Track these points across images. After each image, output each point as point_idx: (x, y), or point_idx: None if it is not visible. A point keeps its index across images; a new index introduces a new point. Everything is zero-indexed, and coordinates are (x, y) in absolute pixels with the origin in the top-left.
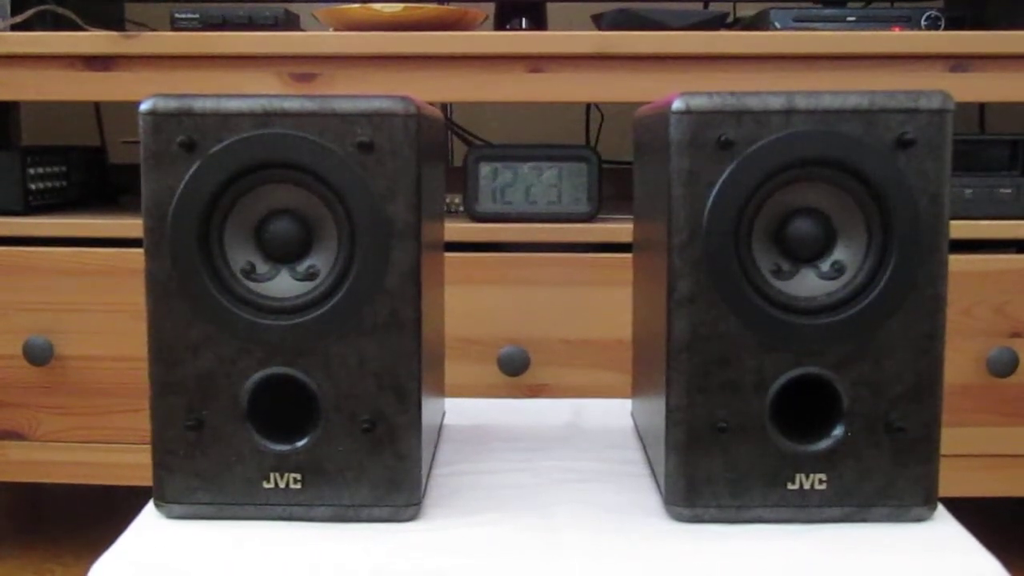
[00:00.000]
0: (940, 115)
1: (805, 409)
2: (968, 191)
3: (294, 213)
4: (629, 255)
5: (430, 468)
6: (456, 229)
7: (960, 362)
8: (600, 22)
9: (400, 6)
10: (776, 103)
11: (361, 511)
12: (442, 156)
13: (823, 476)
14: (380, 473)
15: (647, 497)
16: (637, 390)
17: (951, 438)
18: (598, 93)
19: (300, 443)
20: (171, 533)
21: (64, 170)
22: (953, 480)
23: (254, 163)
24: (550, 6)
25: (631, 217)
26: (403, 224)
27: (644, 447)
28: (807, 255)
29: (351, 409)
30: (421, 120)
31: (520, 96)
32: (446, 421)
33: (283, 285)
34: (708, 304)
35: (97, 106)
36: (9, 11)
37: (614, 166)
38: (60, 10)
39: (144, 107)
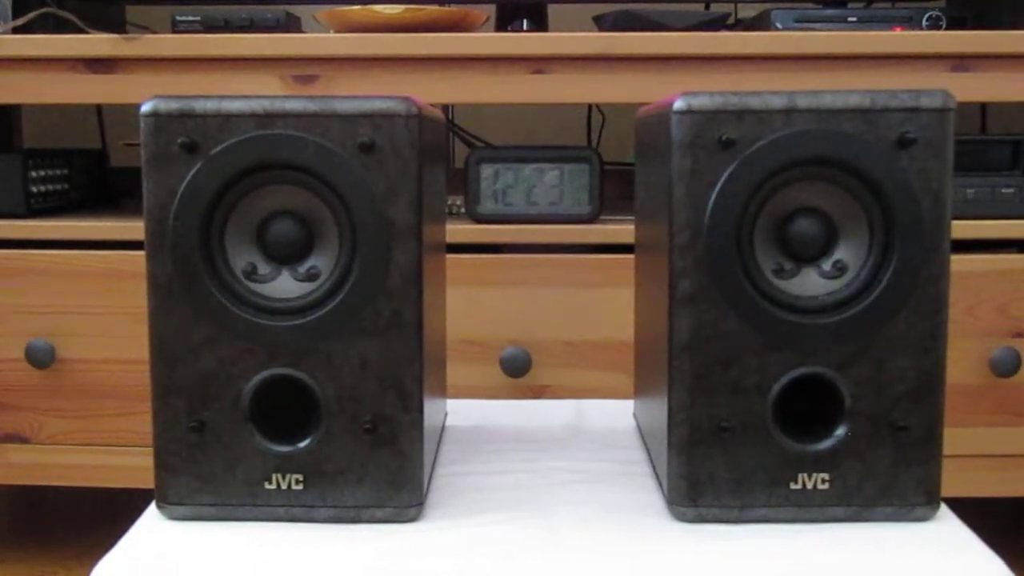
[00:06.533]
0: (941, 114)
1: (808, 409)
2: (970, 191)
3: (295, 214)
4: (631, 256)
5: (432, 469)
6: (458, 231)
7: (963, 362)
8: (602, 23)
9: (401, 8)
10: (777, 102)
11: (363, 512)
12: (443, 157)
13: (826, 476)
14: (382, 474)
15: (650, 497)
16: (639, 390)
17: (954, 438)
18: (600, 94)
19: (302, 444)
20: (173, 535)
21: (66, 173)
22: (956, 480)
23: (255, 164)
24: (552, 7)
25: (633, 218)
26: (404, 225)
27: (646, 447)
28: (809, 254)
29: (353, 410)
30: (422, 121)
31: (522, 97)
32: (448, 422)
33: (284, 286)
34: (710, 304)
35: (99, 109)
36: (10, 14)
37: (616, 167)
38: (61, 13)
39: (145, 109)
